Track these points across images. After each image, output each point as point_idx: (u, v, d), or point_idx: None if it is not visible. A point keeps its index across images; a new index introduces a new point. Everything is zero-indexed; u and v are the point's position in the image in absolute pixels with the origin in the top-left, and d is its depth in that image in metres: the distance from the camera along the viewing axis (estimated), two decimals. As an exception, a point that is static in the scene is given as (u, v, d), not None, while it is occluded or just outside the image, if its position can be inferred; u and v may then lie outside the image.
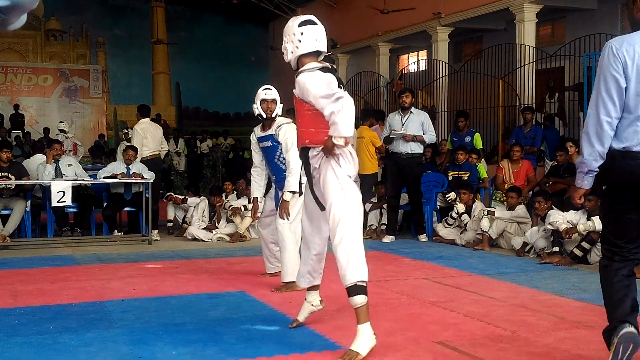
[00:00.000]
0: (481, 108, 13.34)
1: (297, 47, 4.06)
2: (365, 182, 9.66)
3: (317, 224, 4.21)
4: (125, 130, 15.92)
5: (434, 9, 14.94)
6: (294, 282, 5.35)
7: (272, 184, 6.00)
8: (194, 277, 6.43)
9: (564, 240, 7.22)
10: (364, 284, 3.82)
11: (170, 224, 10.02)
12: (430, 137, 9.02)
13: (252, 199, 6.14)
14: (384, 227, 9.32)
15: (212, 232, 9.26)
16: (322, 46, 4.10)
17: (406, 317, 4.82)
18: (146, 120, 10.02)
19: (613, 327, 3.37)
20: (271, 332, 4.44)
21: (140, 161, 9.46)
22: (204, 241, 9.07)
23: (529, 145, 10.14)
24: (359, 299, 3.78)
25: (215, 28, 23.65)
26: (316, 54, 4.11)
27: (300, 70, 4.07)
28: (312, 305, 4.47)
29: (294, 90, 4.12)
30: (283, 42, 4.16)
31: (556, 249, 7.29)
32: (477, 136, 10.53)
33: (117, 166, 9.31)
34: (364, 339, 3.77)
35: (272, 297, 5.45)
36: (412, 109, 9.00)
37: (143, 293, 5.67)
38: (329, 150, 3.90)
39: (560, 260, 7.05)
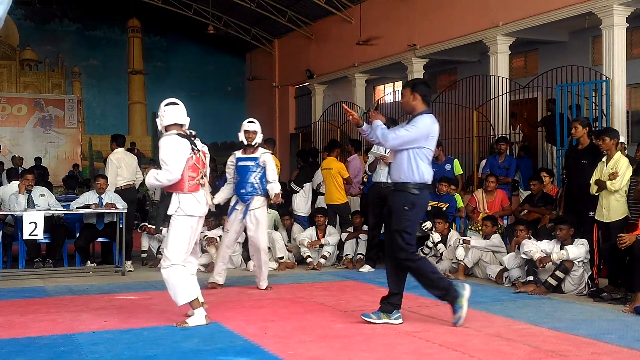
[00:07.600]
0: (456, 138, 13.45)
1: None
2: (334, 213, 9.95)
3: None
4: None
5: (409, 41, 15.12)
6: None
7: (236, 196, 7.48)
8: (167, 309, 6.33)
9: (538, 269, 7.26)
10: None
11: (144, 255, 9.91)
12: None
13: (214, 199, 7.14)
14: (359, 256, 9.30)
15: (186, 262, 9.15)
16: None
17: (381, 347, 4.80)
18: (121, 149, 9.96)
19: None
20: (245, 364, 4.38)
21: (115, 191, 9.37)
22: (179, 272, 8.95)
23: (504, 176, 10.19)
24: None
25: (192, 58, 23.71)
26: None
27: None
28: None
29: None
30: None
31: (530, 278, 7.32)
32: (456, 162, 10.60)
33: (89, 196, 9.21)
34: None
35: (246, 328, 5.39)
36: None
37: (115, 325, 5.58)
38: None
39: (535, 290, 7.08)
